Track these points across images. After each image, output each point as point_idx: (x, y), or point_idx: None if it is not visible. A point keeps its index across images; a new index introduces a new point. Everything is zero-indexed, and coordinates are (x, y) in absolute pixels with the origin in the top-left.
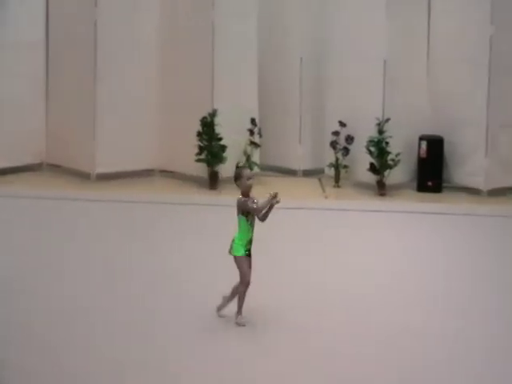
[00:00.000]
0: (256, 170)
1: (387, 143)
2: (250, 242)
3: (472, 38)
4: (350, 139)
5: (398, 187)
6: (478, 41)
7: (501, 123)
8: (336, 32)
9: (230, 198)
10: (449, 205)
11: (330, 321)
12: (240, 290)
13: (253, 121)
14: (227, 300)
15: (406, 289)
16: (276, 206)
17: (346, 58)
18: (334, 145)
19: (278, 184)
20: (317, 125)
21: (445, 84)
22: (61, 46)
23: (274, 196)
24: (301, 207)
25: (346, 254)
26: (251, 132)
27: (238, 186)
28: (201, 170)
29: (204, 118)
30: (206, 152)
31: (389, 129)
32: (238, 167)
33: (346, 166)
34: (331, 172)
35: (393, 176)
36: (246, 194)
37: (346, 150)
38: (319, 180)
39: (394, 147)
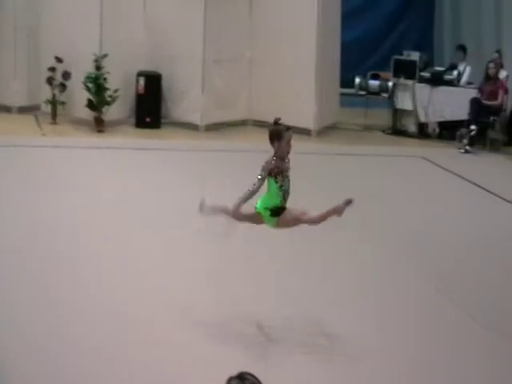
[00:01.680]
0: None
1: (105, 79)
2: (275, 208)
3: None
4: (66, 75)
5: (116, 123)
6: None
7: (214, 59)
8: None
9: None
10: (167, 140)
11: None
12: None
13: None
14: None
15: (127, 223)
16: None
17: None
18: (50, 81)
19: None
20: (32, 60)
21: (161, 20)
22: None
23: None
24: (17, 145)
25: (64, 191)
26: None
27: (272, 146)
28: None
29: None
30: None
31: (106, 65)
32: (276, 123)
33: (63, 103)
34: (48, 108)
35: (111, 112)
36: (281, 158)
37: (63, 86)
38: (35, 117)
39: (112, 83)
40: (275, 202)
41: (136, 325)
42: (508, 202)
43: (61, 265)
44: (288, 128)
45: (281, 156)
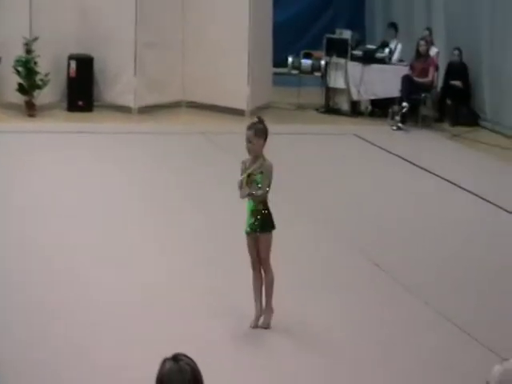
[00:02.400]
0: None
1: (36, 63)
2: (251, 214)
3: None
4: None
5: (47, 107)
6: None
7: (146, 41)
8: None
9: None
10: (100, 124)
11: None
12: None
13: None
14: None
15: (62, 209)
16: None
17: None
18: None
19: None
20: None
21: (92, 2)
22: None
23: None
24: None
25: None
26: None
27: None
28: None
29: None
30: None
31: (37, 48)
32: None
33: None
34: None
35: (42, 96)
36: (252, 157)
37: None
38: None
39: (43, 67)
40: (248, 207)
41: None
42: (439, 176)
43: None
44: (249, 126)
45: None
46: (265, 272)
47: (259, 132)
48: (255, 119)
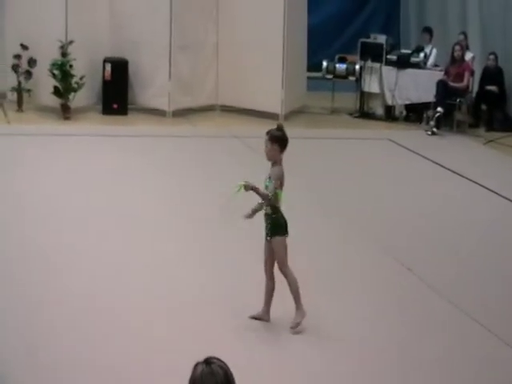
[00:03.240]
0: None
1: (71, 66)
2: (264, 217)
3: None
4: (32, 62)
5: (83, 110)
6: None
7: (180, 44)
8: None
9: None
10: (135, 127)
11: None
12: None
13: None
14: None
15: (100, 209)
16: None
17: None
18: (15, 68)
19: None
20: None
21: (127, 5)
22: None
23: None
24: None
25: (30, 179)
26: None
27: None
28: None
29: None
30: None
31: (73, 51)
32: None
33: (29, 90)
34: (14, 96)
35: (78, 99)
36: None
37: (29, 74)
38: (1, 105)
39: (79, 70)
40: None
41: (113, 318)
42: (472, 181)
43: (32, 253)
44: (267, 132)
45: None
46: (285, 277)
47: (273, 138)
48: (276, 126)
